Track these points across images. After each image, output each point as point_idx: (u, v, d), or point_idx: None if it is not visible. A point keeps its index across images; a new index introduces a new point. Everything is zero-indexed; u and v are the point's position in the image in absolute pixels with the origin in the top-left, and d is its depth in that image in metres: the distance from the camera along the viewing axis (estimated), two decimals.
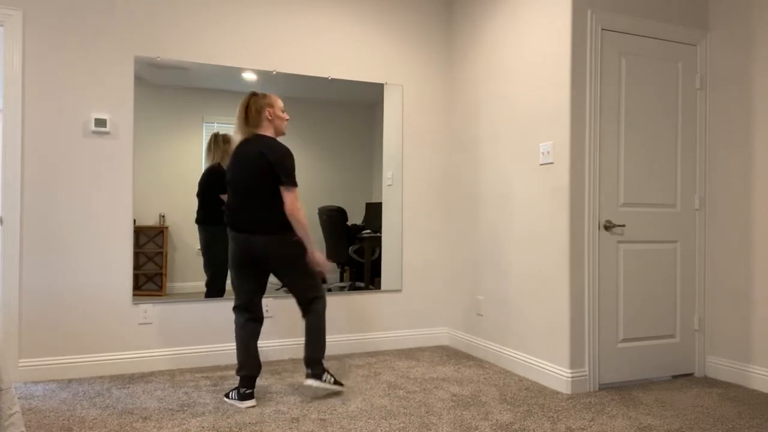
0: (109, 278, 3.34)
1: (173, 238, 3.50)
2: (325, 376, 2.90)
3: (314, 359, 2.89)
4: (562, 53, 3.09)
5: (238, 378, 2.95)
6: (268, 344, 3.67)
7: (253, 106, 2.84)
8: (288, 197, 2.75)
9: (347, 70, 3.93)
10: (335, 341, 3.85)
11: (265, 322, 3.68)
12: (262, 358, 3.65)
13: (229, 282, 3.60)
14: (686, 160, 3.37)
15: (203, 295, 3.55)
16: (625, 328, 3.19)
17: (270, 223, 2.77)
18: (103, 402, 2.82)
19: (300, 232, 2.79)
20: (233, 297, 2.90)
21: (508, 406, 2.79)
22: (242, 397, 2.78)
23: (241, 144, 2.86)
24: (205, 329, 3.55)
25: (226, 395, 2.86)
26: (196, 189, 3.55)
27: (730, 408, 2.80)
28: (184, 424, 2.53)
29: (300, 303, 2.94)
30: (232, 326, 3.58)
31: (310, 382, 2.87)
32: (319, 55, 3.85)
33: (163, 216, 3.48)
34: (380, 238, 4.01)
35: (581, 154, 3.08)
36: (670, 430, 2.50)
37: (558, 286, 3.11)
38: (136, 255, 3.42)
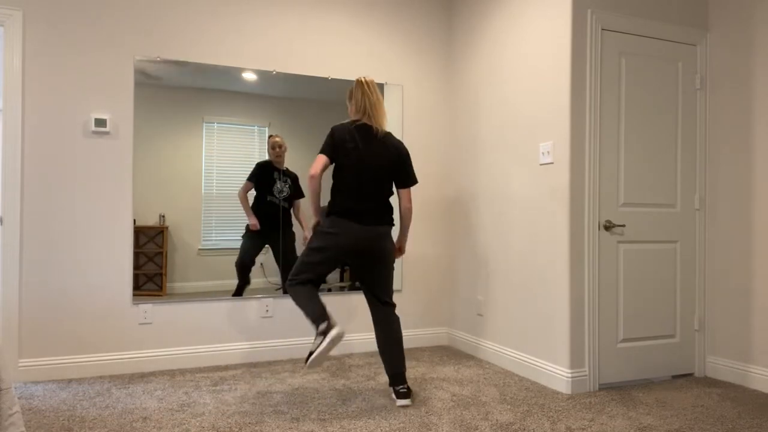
0: (109, 278, 3.34)
1: (173, 238, 3.49)
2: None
3: (404, 373, 2.84)
4: (562, 53, 3.09)
5: (320, 328, 2.64)
6: (268, 344, 3.67)
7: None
8: (408, 195, 2.93)
9: (347, 70, 3.93)
10: None
11: (265, 322, 3.68)
12: (261, 358, 3.67)
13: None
14: (686, 160, 3.37)
15: (230, 294, 3.55)
16: (625, 328, 3.19)
17: (390, 217, 2.89)
18: (103, 402, 2.82)
19: (408, 228, 3.00)
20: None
21: (508, 406, 2.79)
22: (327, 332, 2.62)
23: (376, 132, 2.83)
24: (205, 329, 3.55)
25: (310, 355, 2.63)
26: (196, 189, 3.55)
27: (730, 408, 2.80)
28: (184, 424, 2.53)
29: (381, 303, 2.87)
30: (233, 326, 3.59)
31: (405, 402, 2.79)
32: (319, 55, 3.85)
33: (163, 216, 3.47)
34: None
35: (581, 154, 3.08)
36: (670, 430, 2.50)
37: (558, 286, 3.11)
38: (136, 255, 3.42)
